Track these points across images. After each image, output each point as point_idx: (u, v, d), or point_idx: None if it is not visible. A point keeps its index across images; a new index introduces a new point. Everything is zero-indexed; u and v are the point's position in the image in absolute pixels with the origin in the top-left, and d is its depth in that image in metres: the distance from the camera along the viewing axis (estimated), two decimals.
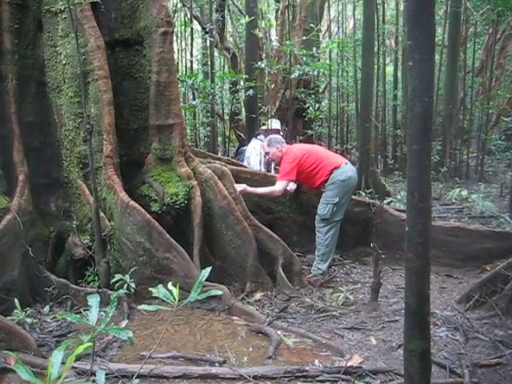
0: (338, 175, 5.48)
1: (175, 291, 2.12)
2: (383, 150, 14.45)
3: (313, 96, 11.53)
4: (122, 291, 2.28)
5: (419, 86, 2.54)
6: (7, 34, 5.08)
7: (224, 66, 14.13)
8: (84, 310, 4.78)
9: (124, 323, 3.33)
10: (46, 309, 4.70)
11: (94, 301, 2.15)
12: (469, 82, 13.52)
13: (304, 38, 9.36)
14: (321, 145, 12.30)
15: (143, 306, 2.23)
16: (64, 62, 5.24)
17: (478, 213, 8.32)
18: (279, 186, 5.59)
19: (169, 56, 5.30)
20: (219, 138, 13.45)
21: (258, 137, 7.78)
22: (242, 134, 11.25)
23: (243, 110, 12.13)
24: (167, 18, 5.24)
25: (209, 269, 2.29)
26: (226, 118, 13.23)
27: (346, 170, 5.56)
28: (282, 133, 7.89)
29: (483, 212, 8.24)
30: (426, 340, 2.90)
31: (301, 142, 10.15)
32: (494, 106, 12.75)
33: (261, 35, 8.52)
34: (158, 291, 2.09)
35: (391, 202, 8.57)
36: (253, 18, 7.94)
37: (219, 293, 2.60)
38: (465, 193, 8.97)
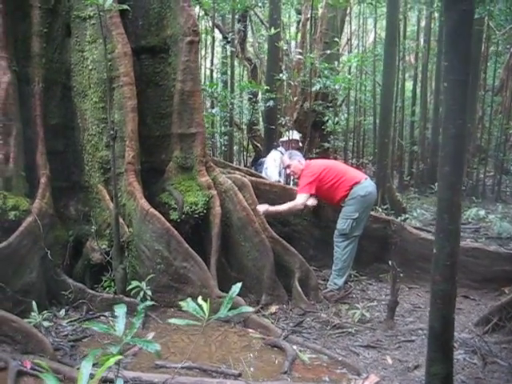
0: (358, 190, 5.45)
1: (205, 306, 2.10)
2: (399, 166, 14.38)
3: (331, 109, 11.50)
4: (148, 303, 2.25)
5: (453, 108, 2.53)
6: (36, 38, 5.13)
7: (243, 76, 14.17)
8: (100, 316, 4.81)
9: (151, 335, 3.29)
10: (62, 312, 4.70)
11: (120, 311, 2.13)
12: (488, 100, 13.43)
13: (328, 51, 9.33)
14: (336, 158, 12.24)
15: (173, 320, 2.20)
16: (90, 67, 5.29)
17: (495, 233, 8.24)
18: (300, 200, 5.56)
19: (194, 65, 5.32)
20: (235, 148, 13.46)
21: (278, 148, 7.76)
22: (259, 145, 11.24)
23: (260, 120, 12.14)
24: (194, 27, 5.26)
25: (239, 284, 2.26)
26: (243, 127, 13.25)
27: (367, 185, 5.54)
28: (301, 144, 7.85)
29: (500, 233, 8.16)
30: (449, 364, 2.88)
31: (317, 154, 10.10)
32: None
33: (285, 47, 8.50)
34: (188, 305, 2.07)
35: (407, 218, 8.50)
36: (278, 30, 7.94)
37: (250, 310, 2.57)
38: (482, 213, 8.89)
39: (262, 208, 5.47)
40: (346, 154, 14.01)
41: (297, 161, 5.81)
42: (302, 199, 5.56)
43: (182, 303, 2.11)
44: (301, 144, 7.82)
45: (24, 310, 4.39)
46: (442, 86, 2.55)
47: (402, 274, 5.00)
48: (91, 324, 2.18)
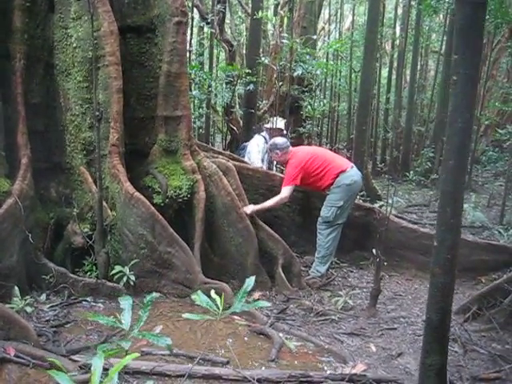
0: (343, 179, 5.46)
1: (218, 300, 2.04)
2: (373, 153, 14.50)
3: (306, 93, 11.47)
4: (155, 294, 2.17)
5: (462, 102, 2.52)
6: (18, 12, 4.90)
7: (218, 58, 13.98)
8: (82, 301, 4.71)
9: (158, 328, 3.20)
10: (43, 297, 4.58)
11: (126, 303, 2.06)
12: None
13: (314, 37, 9.26)
14: (310, 144, 12.25)
15: (187, 315, 2.13)
16: (74, 45, 5.09)
17: (468, 222, 8.38)
18: (285, 193, 5.54)
19: (181, 46, 5.19)
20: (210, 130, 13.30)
21: (261, 133, 7.69)
22: (235, 128, 11.13)
23: (237, 103, 12.02)
24: (182, 7, 5.13)
25: (253, 278, 2.21)
26: (218, 110, 13.10)
27: (352, 174, 5.55)
28: (285, 131, 7.75)
29: (473, 222, 8.31)
30: (444, 355, 2.91)
31: (292, 139, 10.04)
32: (486, 116, 12.89)
33: (271, 31, 8.39)
34: (199, 298, 2.01)
35: (382, 205, 8.57)
36: (265, 13, 7.82)
37: (267, 304, 2.53)
38: None
39: (249, 210, 5.40)
40: (320, 140, 14.06)
41: (274, 153, 5.80)
42: (287, 193, 5.55)
43: (193, 296, 2.04)
44: (285, 131, 7.72)
45: (3, 294, 4.25)
46: (451, 79, 2.54)
47: (385, 263, 5.04)
48: (96, 317, 2.10)
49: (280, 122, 7.61)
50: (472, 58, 2.48)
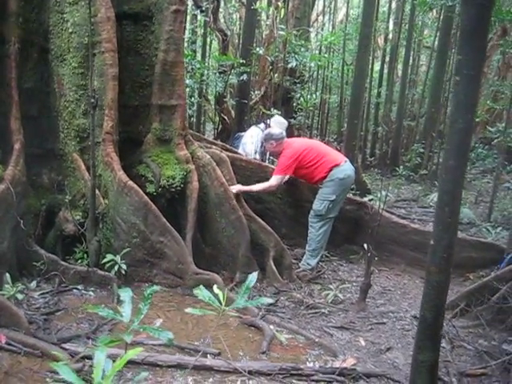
0: (337, 173, 5.47)
1: (221, 295, 2.04)
2: (363, 147, 14.53)
3: (298, 85, 11.46)
4: (156, 288, 2.14)
5: (464, 102, 2.53)
6: None
7: (210, 47, 13.90)
8: (72, 289, 4.68)
9: (158, 322, 3.18)
10: (33, 284, 4.53)
11: (126, 295, 2.05)
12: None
13: (310, 29, 9.22)
14: (300, 136, 12.24)
15: (189, 310, 2.12)
16: (70, 30, 5.02)
17: None
18: (275, 181, 5.54)
19: (178, 35, 5.15)
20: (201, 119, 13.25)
21: (258, 125, 7.67)
22: (226, 118, 11.11)
23: (229, 93, 11.98)
24: None
25: (255, 273, 2.19)
26: (209, 99, 13.06)
27: (346, 168, 5.56)
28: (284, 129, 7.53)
29: (461, 218, 8.37)
30: (436, 352, 2.94)
31: None
32: (476, 113, 12.94)
33: (268, 22, 8.35)
34: (201, 293, 2.00)
35: (372, 199, 8.61)
36: (261, 5, 7.78)
37: (270, 301, 2.53)
38: None
39: (235, 189, 5.40)
40: (311, 132, 14.04)
41: (269, 143, 5.78)
42: (277, 181, 5.55)
43: (195, 291, 2.03)
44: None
45: None
46: (454, 79, 2.55)
47: (376, 258, 5.07)
48: (95, 308, 2.09)
49: (280, 127, 7.24)
50: (475, 59, 2.48)
